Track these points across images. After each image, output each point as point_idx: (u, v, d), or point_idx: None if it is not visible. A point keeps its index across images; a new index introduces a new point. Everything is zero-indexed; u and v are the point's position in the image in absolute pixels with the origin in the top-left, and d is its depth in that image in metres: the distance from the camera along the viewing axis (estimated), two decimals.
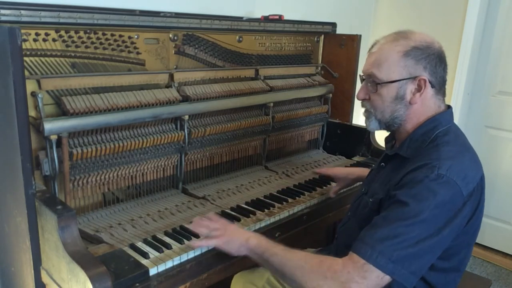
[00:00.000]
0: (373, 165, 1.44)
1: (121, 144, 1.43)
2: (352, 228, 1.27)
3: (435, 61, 1.13)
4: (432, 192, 1.01)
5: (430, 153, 1.09)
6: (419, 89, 1.13)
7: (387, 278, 1.00)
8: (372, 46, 1.19)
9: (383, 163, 1.27)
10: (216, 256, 1.29)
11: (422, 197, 1.01)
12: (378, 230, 1.02)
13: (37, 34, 1.28)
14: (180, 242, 1.29)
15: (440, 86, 1.17)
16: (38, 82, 1.27)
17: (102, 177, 1.43)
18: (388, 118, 1.18)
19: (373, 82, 1.16)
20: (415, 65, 1.12)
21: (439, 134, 1.13)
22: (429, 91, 1.15)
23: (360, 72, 1.27)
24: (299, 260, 1.08)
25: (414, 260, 1.01)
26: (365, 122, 1.24)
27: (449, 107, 1.22)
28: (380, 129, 1.22)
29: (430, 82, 1.13)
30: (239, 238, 1.20)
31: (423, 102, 1.15)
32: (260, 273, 1.50)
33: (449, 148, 1.10)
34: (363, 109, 1.24)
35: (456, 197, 1.04)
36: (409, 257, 1.00)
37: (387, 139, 1.34)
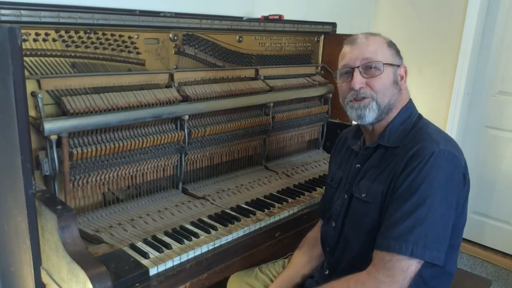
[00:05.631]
0: (336, 174, 1.38)
1: (121, 144, 1.43)
2: (347, 235, 1.26)
3: (401, 55, 1.25)
4: (440, 168, 1.06)
5: (420, 136, 1.14)
6: (402, 77, 1.22)
7: (412, 268, 1.03)
8: (353, 40, 1.24)
9: (359, 165, 1.26)
10: (216, 256, 1.30)
11: (432, 176, 1.06)
12: (403, 223, 1.05)
13: (37, 34, 1.28)
14: (180, 242, 1.29)
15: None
16: (38, 82, 1.27)
17: (102, 177, 1.43)
18: (387, 103, 1.19)
19: (373, 66, 1.17)
20: (397, 55, 1.23)
21: (416, 120, 1.22)
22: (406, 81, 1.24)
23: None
24: None
25: (442, 238, 1.07)
26: (359, 114, 1.19)
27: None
28: (376, 119, 1.19)
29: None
30: None
31: (403, 91, 1.24)
32: (255, 273, 1.50)
33: (432, 128, 1.19)
34: (355, 103, 1.19)
35: (458, 167, 1.11)
36: (438, 237, 1.05)
37: (352, 141, 1.34)
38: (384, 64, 1.18)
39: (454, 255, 1.20)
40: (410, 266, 1.03)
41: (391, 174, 1.13)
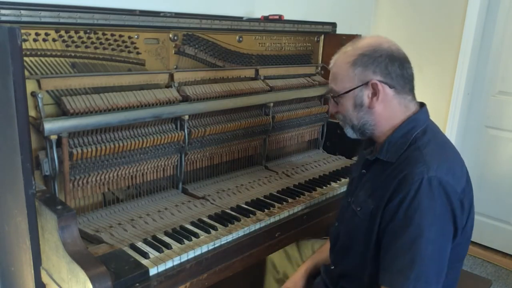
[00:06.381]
0: (352, 174, 1.41)
1: (121, 144, 1.43)
2: (342, 238, 1.28)
3: (384, 62, 1.13)
4: (432, 198, 1.02)
5: (413, 157, 1.09)
6: (375, 93, 1.14)
7: None
8: (330, 63, 1.25)
9: (364, 170, 1.26)
10: (216, 256, 1.30)
11: (425, 206, 1.02)
12: (403, 256, 1.03)
13: (37, 34, 1.28)
14: (180, 242, 1.29)
15: (402, 85, 1.15)
16: (38, 82, 1.27)
17: (102, 177, 1.43)
18: (358, 125, 1.20)
19: (334, 96, 1.22)
20: (364, 72, 1.14)
21: (418, 135, 1.13)
22: (388, 92, 1.14)
23: None
24: None
25: (441, 270, 1.05)
26: (345, 131, 1.28)
27: (422, 104, 1.21)
28: (356, 135, 1.24)
29: (386, 83, 1.13)
30: None
31: (385, 104, 1.15)
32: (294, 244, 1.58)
33: (431, 148, 1.10)
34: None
35: (452, 194, 1.04)
36: (438, 270, 1.03)
37: (365, 145, 1.33)
38: (338, 96, 1.19)
39: (456, 275, 1.20)
40: None
41: (381, 196, 1.11)
